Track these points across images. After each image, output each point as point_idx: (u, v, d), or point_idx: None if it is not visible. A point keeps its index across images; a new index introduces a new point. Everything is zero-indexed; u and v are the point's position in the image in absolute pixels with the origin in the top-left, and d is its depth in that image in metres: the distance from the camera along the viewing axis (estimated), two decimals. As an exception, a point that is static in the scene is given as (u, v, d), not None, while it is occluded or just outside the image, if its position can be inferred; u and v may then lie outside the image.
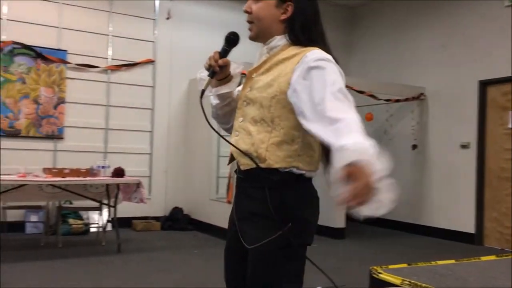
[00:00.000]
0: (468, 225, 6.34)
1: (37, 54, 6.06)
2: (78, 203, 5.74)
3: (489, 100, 6.30)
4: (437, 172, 6.82)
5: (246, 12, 1.62)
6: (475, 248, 6.02)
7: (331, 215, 6.20)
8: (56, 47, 6.20)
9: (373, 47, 8.04)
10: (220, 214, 6.12)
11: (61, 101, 6.22)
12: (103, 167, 5.10)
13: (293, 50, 1.54)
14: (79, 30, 6.36)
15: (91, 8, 6.46)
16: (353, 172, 1.17)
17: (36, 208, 5.70)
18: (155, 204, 6.75)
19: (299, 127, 1.46)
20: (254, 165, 1.50)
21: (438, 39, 6.95)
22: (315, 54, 1.47)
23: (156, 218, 6.72)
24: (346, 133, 1.28)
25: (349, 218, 7.04)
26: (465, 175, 6.43)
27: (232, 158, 1.62)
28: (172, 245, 5.66)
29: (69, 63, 6.27)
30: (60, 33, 6.25)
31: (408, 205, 6.79)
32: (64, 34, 6.27)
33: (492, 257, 2.65)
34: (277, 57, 1.57)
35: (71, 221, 5.97)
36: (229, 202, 5.84)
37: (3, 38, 5.90)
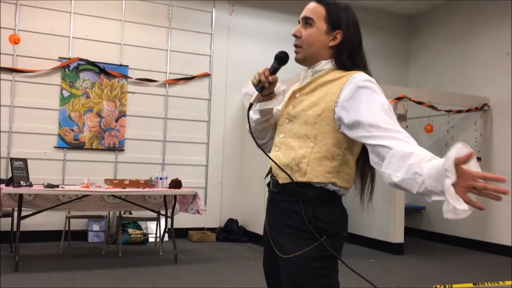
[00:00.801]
0: (505, 237, 5.95)
1: (100, 69, 6.35)
2: (137, 213, 5.93)
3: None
4: (504, 186, 6.46)
5: (295, 36, 1.69)
6: (545, 267, 5.64)
7: (390, 230, 6.02)
8: (118, 63, 6.47)
9: (432, 56, 7.80)
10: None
11: (122, 114, 6.47)
12: (161, 178, 5.24)
13: (338, 73, 1.63)
14: (139, 46, 6.62)
15: (151, 25, 6.70)
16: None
17: (98, 218, 5.91)
18: (210, 215, 6.84)
19: (340, 144, 1.57)
20: (289, 180, 1.58)
21: (502, 47, 6.64)
22: (362, 75, 1.57)
23: (212, 229, 6.79)
24: (415, 144, 1.39)
25: (408, 233, 6.80)
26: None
27: (269, 172, 1.72)
28: (227, 256, 5.70)
29: (130, 77, 6.52)
30: (122, 49, 6.52)
31: (471, 220, 6.47)
32: (126, 50, 6.54)
33: None
34: (322, 79, 1.65)
35: (130, 230, 6.15)
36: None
37: (70, 55, 6.23)
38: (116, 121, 6.44)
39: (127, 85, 6.52)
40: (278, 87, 1.74)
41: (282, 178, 1.61)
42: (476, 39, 7.06)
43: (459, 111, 6.79)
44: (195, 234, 6.56)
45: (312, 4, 1.68)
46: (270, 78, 1.66)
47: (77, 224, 5.96)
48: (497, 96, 6.64)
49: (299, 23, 1.70)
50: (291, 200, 1.59)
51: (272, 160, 1.62)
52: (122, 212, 5.78)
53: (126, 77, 6.49)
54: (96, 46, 6.38)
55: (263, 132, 1.79)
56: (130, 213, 6.02)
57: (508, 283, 2.03)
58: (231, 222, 6.85)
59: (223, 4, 7.08)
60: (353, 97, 1.51)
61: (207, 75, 6.99)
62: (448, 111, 6.78)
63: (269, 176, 1.74)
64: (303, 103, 1.64)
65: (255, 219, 6.62)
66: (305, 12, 1.68)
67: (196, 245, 6.31)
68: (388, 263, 5.50)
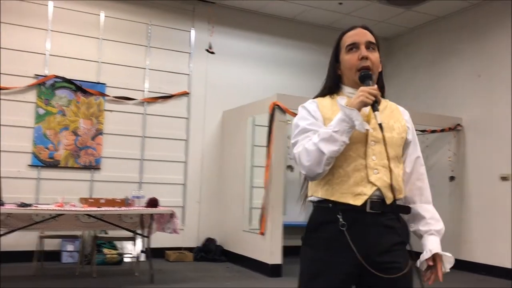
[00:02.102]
0: (507, 261, 6.06)
1: (77, 87, 6.30)
2: (112, 233, 5.83)
3: (529, 130, 6.11)
4: (476, 204, 6.60)
5: (366, 58, 1.76)
6: (519, 285, 5.74)
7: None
8: (95, 81, 6.44)
9: (408, 78, 7.98)
10: (253, 246, 6.08)
11: (99, 132, 6.41)
12: (137, 197, 5.18)
13: (384, 99, 1.83)
14: (117, 64, 6.60)
15: (130, 43, 6.71)
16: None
17: (72, 238, 5.80)
18: (188, 235, 6.77)
19: None
20: (392, 199, 1.69)
21: (473, 69, 6.85)
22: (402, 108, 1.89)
23: (189, 249, 6.72)
24: (431, 199, 1.86)
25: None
26: (505, 208, 6.19)
27: (373, 198, 1.68)
28: (205, 276, 5.64)
29: (108, 95, 6.48)
30: (100, 67, 6.49)
31: (445, 238, 6.55)
32: (103, 68, 6.51)
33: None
34: (381, 104, 1.76)
35: (105, 251, 6.04)
36: (262, 233, 5.81)
37: (46, 72, 6.17)
38: (93, 139, 6.37)
39: (105, 103, 6.47)
40: None
41: (390, 199, 1.69)
42: (449, 61, 7.27)
43: (433, 131, 6.95)
44: (172, 254, 6.48)
45: (366, 31, 1.81)
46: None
47: (50, 244, 5.82)
48: (469, 116, 6.82)
49: (352, 44, 1.77)
50: (393, 216, 1.71)
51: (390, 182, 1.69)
52: (98, 232, 5.68)
53: (103, 95, 6.45)
54: (73, 64, 6.34)
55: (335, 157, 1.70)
56: (106, 233, 5.92)
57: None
58: (209, 242, 6.79)
59: (202, 24, 7.14)
60: (412, 128, 1.84)
61: (185, 93, 7.00)
62: (423, 131, 6.92)
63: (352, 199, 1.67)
64: (384, 126, 1.68)
65: (233, 238, 6.59)
66: (368, 37, 1.79)
67: (173, 265, 6.23)
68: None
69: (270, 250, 5.69)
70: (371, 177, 1.66)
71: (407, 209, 1.74)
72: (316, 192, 1.73)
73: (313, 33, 7.82)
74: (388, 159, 1.68)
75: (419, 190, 1.81)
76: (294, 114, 5.95)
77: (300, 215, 7.56)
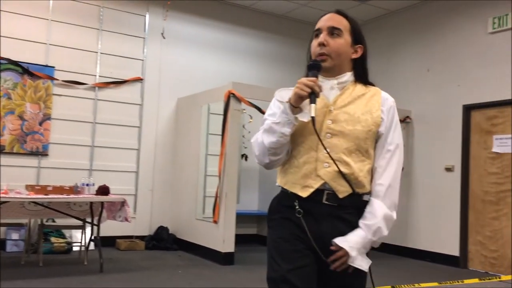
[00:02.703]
0: (452, 248, 6.36)
1: (24, 70, 6.03)
2: (61, 221, 5.67)
3: (473, 124, 6.40)
4: (423, 194, 6.86)
5: (323, 44, 1.71)
6: (460, 271, 6.03)
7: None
8: (43, 63, 6.18)
9: (360, 70, 8.13)
10: (206, 234, 6.07)
11: (47, 117, 6.17)
12: (87, 184, 5.04)
13: (362, 87, 1.77)
14: (67, 47, 6.36)
15: (81, 26, 6.48)
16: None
17: (17, 226, 5.60)
18: (140, 223, 6.67)
19: None
20: (349, 192, 1.67)
21: (423, 64, 7.07)
22: (389, 96, 1.79)
23: (141, 238, 6.63)
24: (388, 197, 1.72)
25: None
26: (450, 198, 6.48)
27: (316, 190, 1.68)
28: (156, 265, 5.58)
29: (56, 79, 6.24)
30: (48, 50, 6.24)
31: (393, 227, 6.77)
32: (52, 51, 6.26)
33: (475, 280, 2.66)
34: (351, 92, 1.74)
35: (53, 239, 5.86)
36: (215, 222, 5.81)
37: (-10, 53, 5.87)
38: (40, 124, 6.13)
39: (53, 87, 6.24)
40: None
41: (343, 193, 1.67)
42: (401, 55, 7.47)
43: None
44: (123, 243, 6.37)
45: (337, 16, 1.75)
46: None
47: (-6, 233, 5.59)
48: (418, 109, 7.05)
49: (317, 31, 1.73)
50: (352, 210, 1.69)
51: (342, 174, 1.65)
52: (45, 220, 5.50)
53: (52, 78, 6.21)
54: (20, 45, 6.05)
55: (284, 147, 1.70)
56: (53, 221, 5.74)
57: (423, 285, 2.16)
58: (161, 230, 6.72)
59: (157, 8, 6.99)
60: (390, 119, 1.74)
61: (139, 79, 6.85)
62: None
63: (305, 189, 1.68)
64: (343, 117, 1.69)
65: (186, 226, 6.55)
66: (332, 22, 1.73)
67: (124, 253, 6.13)
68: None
69: (223, 238, 5.71)
70: (319, 170, 1.67)
71: (362, 204, 1.70)
72: (277, 178, 1.81)
73: (269, 22, 7.83)
74: (346, 152, 1.66)
75: (376, 185, 1.72)
76: (249, 103, 5.98)
77: (254, 204, 7.65)
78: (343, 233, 1.66)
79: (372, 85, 1.80)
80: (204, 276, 5.13)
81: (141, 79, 6.86)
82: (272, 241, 1.74)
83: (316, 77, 1.64)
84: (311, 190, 1.68)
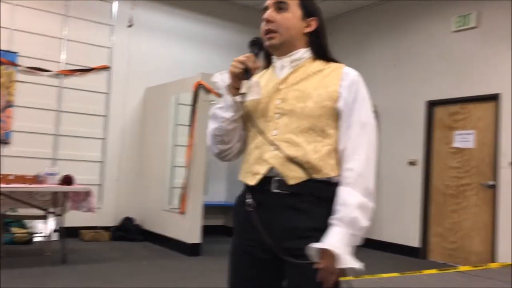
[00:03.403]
0: (414, 240, 6.55)
1: (-15, 55, 5.83)
2: (22, 211, 5.52)
3: (436, 119, 6.58)
4: (386, 187, 7.02)
5: (268, 20, 1.57)
6: (420, 262, 6.22)
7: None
8: (6, 49, 5.99)
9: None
10: (172, 225, 6.05)
11: (9, 104, 6.00)
12: (50, 174, 4.94)
13: (321, 64, 1.59)
14: (31, 33, 6.18)
15: (45, 11, 6.30)
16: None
17: (-23, 216, 5.44)
18: (105, 214, 6.58)
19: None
20: (304, 179, 1.47)
21: (391, 59, 7.21)
22: (352, 70, 1.58)
23: (106, 228, 6.55)
24: (360, 184, 1.46)
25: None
26: (412, 191, 6.66)
27: (264, 176, 1.51)
28: (122, 256, 5.53)
29: (20, 65, 6.06)
30: (12, 35, 6.04)
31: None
32: (16, 36, 6.07)
33: (434, 271, 2.76)
34: (305, 69, 1.58)
35: (14, 229, 5.73)
36: (181, 213, 5.79)
37: (-51, 36, 5.65)
38: (2, 111, 5.95)
39: (16, 74, 6.05)
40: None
41: (294, 178, 1.47)
42: (369, 50, 7.59)
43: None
44: (88, 233, 6.28)
45: None
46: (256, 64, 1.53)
47: (-49, 223, 5.41)
48: (384, 103, 7.19)
49: (265, 9, 1.60)
50: (311, 199, 1.47)
51: (291, 157, 1.46)
52: (6, 210, 5.35)
53: (15, 64, 6.02)
54: (-19, 29, 5.85)
55: (231, 134, 1.58)
56: (15, 211, 5.60)
57: (384, 275, 2.22)
58: (127, 221, 6.66)
59: (126, -4, 6.86)
60: (352, 94, 1.53)
61: (106, 68, 6.72)
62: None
63: (252, 177, 1.54)
64: (294, 94, 1.53)
65: (153, 217, 6.51)
66: None
67: (88, 244, 6.05)
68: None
69: (189, 229, 5.70)
70: (266, 154, 1.51)
71: (326, 192, 1.47)
72: None
73: (239, 13, 7.80)
74: (297, 132, 1.49)
75: (344, 170, 1.48)
76: (218, 95, 5.96)
77: (221, 195, 7.65)
78: (298, 225, 1.46)
79: (335, 61, 1.61)
80: (170, 267, 5.12)
81: (108, 68, 6.74)
82: (230, 248, 1.64)
83: (256, 54, 1.54)
84: (258, 177, 1.51)
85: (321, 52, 1.61)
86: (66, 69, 6.41)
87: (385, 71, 7.26)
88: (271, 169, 1.50)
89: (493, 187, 5.78)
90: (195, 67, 7.03)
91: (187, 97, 6.02)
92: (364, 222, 1.44)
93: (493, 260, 5.64)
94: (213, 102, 6.52)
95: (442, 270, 2.54)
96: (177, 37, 7.28)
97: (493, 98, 5.89)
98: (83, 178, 5.94)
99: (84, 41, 6.56)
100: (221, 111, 1.56)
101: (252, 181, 1.53)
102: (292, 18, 1.57)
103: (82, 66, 6.53)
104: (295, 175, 1.48)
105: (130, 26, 6.70)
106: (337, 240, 1.40)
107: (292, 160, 1.48)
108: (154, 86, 6.87)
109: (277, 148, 1.50)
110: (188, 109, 5.93)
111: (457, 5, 6.34)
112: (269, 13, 1.58)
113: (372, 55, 7.51)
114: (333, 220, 1.43)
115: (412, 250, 6.52)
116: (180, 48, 7.30)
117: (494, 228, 5.73)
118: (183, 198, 5.80)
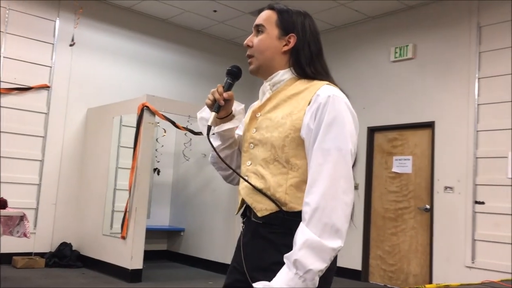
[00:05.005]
0: (356, 263, 6.68)
1: None
2: (-51, 236, 5.16)
3: (376, 145, 6.82)
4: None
5: (248, 46, 1.55)
6: (362, 284, 6.35)
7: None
8: None
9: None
10: (113, 250, 5.84)
11: None
12: (-18, 197, 4.66)
13: (301, 84, 1.50)
14: (-35, 48, 5.89)
15: (-18, 26, 6.04)
16: None
17: None
18: (40, 239, 6.26)
19: None
20: (274, 210, 1.42)
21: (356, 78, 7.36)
22: (326, 90, 1.46)
23: (41, 254, 6.22)
24: (316, 220, 1.33)
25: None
26: (354, 214, 6.78)
27: (242, 204, 1.55)
28: (57, 283, 5.26)
29: (-49, 82, 5.74)
30: None
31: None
32: None
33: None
34: (284, 93, 1.51)
35: None
36: (123, 237, 5.61)
37: None
38: None
39: None
40: (236, 107, 1.57)
41: (261, 210, 1.44)
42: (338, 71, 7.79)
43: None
44: (21, 260, 5.94)
45: (264, 12, 1.56)
46: (225, 95, 1.49)
47: None
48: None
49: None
50: (280, 231, 1.42)
51: (258, 189, 1.44)
52: None
53: None
54: None
55: (227, 160, 1.58)
56: None
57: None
58: (64, 246, 6.36)
59: (69, 14, 6.70)
60: (318, 120, 1.40)
61: (46, 87, 6.49)
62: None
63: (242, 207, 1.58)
64: (265, 123, 1.49)
65: (92, 242, 6.26)
66: (257, 20, 1.56)
67: (21, 271, 5.71)
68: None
69: (131, 255, 5.53)
70: (240, 184, 1.54)
71: (289, 222, 1.41)
72: None
73: (186, 36, 7.82)
74: (263, 164, 1.47)
75: (303, 205, 1.37)
76: (163, 117, 5.91)
77: (165, 219, 7.50)
78: (263, 257, 1.43)
79: (320, 78, 1.52)
80: (110, 294, 4.92)
81: (48, 87, 6.51)
82: None
83: (231, 83, 1.53)
84: (238, 206, 1.57)
85: (301, 71, 1.51)
86: (2, 87, 6.13)
87: (349, 91, 7.46)
88: (243, 199, 1.53)
89: (429, 211, 6.04)
90: (139, 88, 6.94)
91: (131, 119, 5.91)
92: (312, 264, 1.30)
93: (430, 281, 5.84)
94: (158, 124, 6.46)
95: (382, 292, 2.59)
96: (121, 58, 7.17)
97: (429, 125, 6.20)
98: (18, 201, 5.65)
99: (23, 59, 6.32)
100: (212, 139, 1.58)
101: (237, 209, 1.59)
102: (266, 39, 1.52)
103: (20, 84, 6.27)
104: (262, 207, 1.45)
105: (72, 45, 6.55)
106: (278, 282, 1.30)
107: (260, 191, 1.45)
108: (96, 107, 6.70)
109: (247, 180, 1.49)
110: (131, 131, 5.81)
111: (395, 37, 6.68)
112: (249, 38, 1.56)
113: (341, 76, 7.70)
114: (284, 258, 1.35)
115: (354, 272, 6.64)
116: (124, 69, 7.18)
117: (431, 250, 5.95)
118: (125, 222, 5.63)
